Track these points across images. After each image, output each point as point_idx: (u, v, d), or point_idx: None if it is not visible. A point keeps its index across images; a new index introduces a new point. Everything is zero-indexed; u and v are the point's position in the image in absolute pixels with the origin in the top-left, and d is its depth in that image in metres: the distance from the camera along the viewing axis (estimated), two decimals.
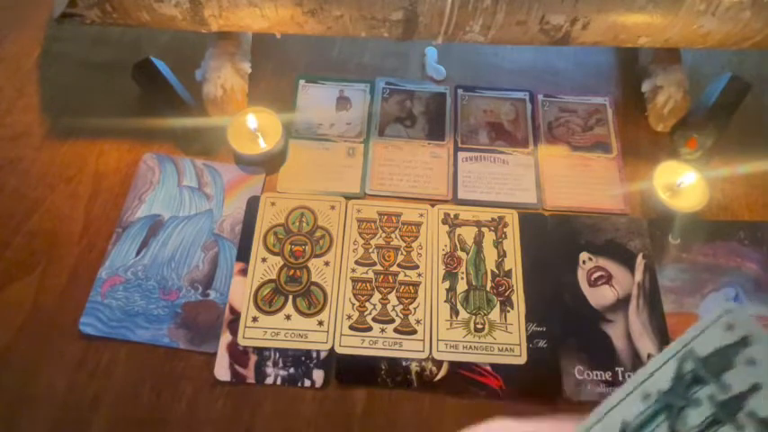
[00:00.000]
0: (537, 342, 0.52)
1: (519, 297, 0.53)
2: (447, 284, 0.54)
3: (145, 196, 0.57)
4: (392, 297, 0.53)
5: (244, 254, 0.55)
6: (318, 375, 0.50)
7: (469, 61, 0.68)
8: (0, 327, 0.51)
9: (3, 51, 0.66)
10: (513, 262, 0.55)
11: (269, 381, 0.50)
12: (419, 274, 0.54)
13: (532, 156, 0.62)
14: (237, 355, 0.50)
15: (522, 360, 0.51)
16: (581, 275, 0.55)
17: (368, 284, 0.54)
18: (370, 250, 0.55)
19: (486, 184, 0.60)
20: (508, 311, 0.53)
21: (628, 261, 0.56)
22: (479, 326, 0.52)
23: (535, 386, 0.50)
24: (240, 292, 0.53)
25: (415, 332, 0.52)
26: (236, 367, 0.50)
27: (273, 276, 0.54)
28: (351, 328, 0.52)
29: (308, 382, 0.50)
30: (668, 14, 0.51)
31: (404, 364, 0.51)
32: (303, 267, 0.54)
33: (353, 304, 0.53)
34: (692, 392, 0.30)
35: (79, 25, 0.55)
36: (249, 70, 0.63)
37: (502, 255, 0.55)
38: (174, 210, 0.57)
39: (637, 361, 0.51)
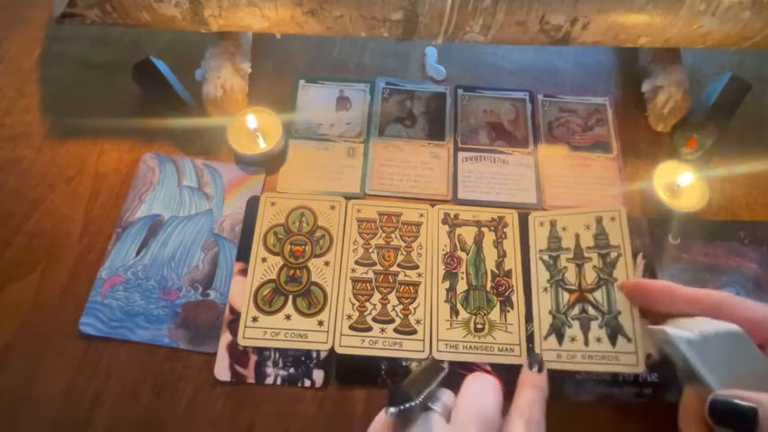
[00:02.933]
0: None
1: (519, 297, 0.53)
2: (447, 284, 0.54)
3: (145, 196, 0.57)
4: (392, 297, 0.53)
5: (244, 254, 0.55)
6: (318, 375, 0.50)
7: (469, 61, 0.68)
8: (0, 327, 0.51)
9: (3, 51, 0.66)
10: (513, 262, 0.55)
11: (269, 381, 0.50)
12: (419, 274, 0.54)
13: (532, 156, 0.62)
14: (237, 355, 0.50)
15: (522, 360, 0.51)
16: None
17: (368, 284, 0.54)
18: (370, 250, 0.55)
19: (487, 184, 0.60)
20: (508, 311, 0.53)
21: None
22: (479, 326, 0.52)
23: None
24: (240, 292, 0.53)
25: (415, 332, 0.52)
26: (236, 367, 0.50)
27: (273, 276, 0.54)
28: (351, 328, 0.52)
29: (308, 382, 0.50)
30: (668, 14, 0.51)
31: (404, 364, 0.51)
32: (303, 267, 0.54)
33: (353, 304, 0.53)
34: (562, 267, 0.52)
35: (79, 25, 0.55)
36: (249, 70, 0.63)
37: (502, 255, 0.55)
38: (174, 210, 0.57)
39: None
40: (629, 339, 0.47)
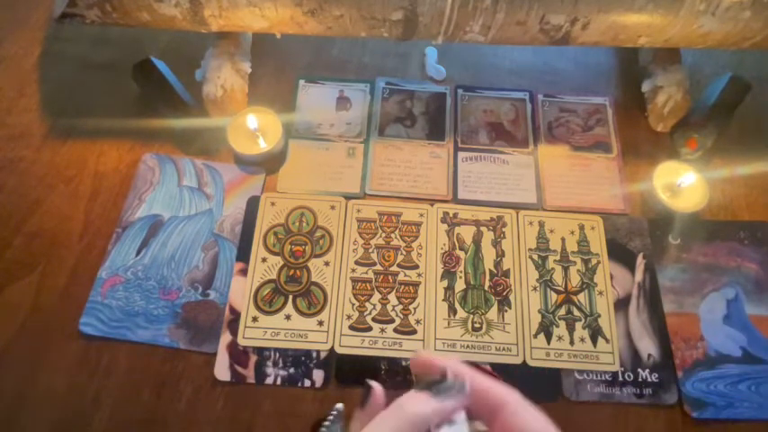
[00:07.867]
0: None
1: (516, 297, 0.53)
2: (445, 283, 0.54)
3: (145, 196, 0.57)
4: (392, 297, 0.53)
5: (244, 254, 0.55)
6: (318, 375, 0.50)
7: (469, 61, 0.68)
8: (0, 327, 0.51)
9: (3, 51, 0.66)
10: (512, 262, 0.55)
11: (269, 381, 0.50)
12: (419, 274, 0.54)
13: (532, 156, 0.62)
14: (237, 355, 0.50)
15: (519, 360, 0.51)
16: None
17: (368, 284, 0.54)
18: (370, 250, 0.55)
19: (487, 184, 0.60)
20: (506, 311, 0.53)
21: (628, 261, 0.56)
22: (477, 325, 0.52)
23: (535, 386, 0.50)
24: (240, 292, 0.53)
25: (414, 332, 0.52)
26: (236, 367, 0.50)
27: (273, 276, 0.54)
28: (351, 328, 0.52)
29: (307, 382, 0.50)
30: (668, 14, 0.51)
31: (404, 364, 0.51)
32: (303, 267, 0.54)
33: (353, 304, 0.53)
34: (549, 268, 0.54)
35: (79, 25, 0.55)
36: (249, 70, 0.63)
37: (500, 254, 0.55)
38: (174, 210, 0.57)
39: (637, 361, 0.51)
40: (607, 340, 0.52)
